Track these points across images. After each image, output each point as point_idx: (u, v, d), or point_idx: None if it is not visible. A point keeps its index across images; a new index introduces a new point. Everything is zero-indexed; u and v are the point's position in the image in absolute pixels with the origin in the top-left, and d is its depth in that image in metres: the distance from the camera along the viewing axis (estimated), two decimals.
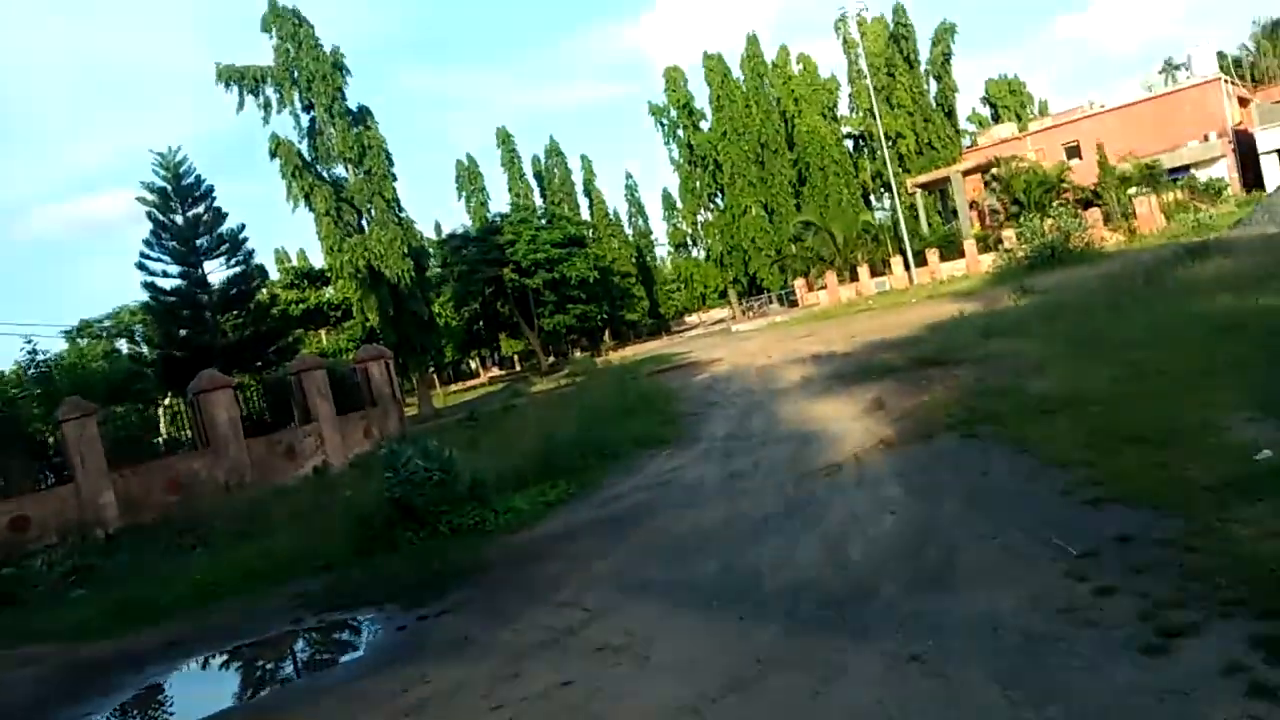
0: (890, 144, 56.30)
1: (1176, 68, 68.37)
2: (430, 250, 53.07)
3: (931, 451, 8.91)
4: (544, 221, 54.26)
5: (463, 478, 10.09)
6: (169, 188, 31.18)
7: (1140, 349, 11.38)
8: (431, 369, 45.94)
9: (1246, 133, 50.87)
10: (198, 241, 30.90)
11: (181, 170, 31.88)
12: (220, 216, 31.78)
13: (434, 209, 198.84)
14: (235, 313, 31.57)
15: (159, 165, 31.48)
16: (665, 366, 32.88)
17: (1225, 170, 49.70)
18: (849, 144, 63.81)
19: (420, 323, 34.74)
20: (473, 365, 77.45)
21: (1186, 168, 48.61)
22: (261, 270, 33.31)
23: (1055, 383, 10.51)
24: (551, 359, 56.14)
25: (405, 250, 33.80)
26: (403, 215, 36.05)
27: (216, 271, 31.89)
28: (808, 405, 14.23)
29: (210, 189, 32.10)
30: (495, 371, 74.77)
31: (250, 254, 32.16)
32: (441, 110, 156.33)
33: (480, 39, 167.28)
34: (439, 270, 51.62)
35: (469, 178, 66.60)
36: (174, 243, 30.74)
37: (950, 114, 63.48)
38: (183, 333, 31.20)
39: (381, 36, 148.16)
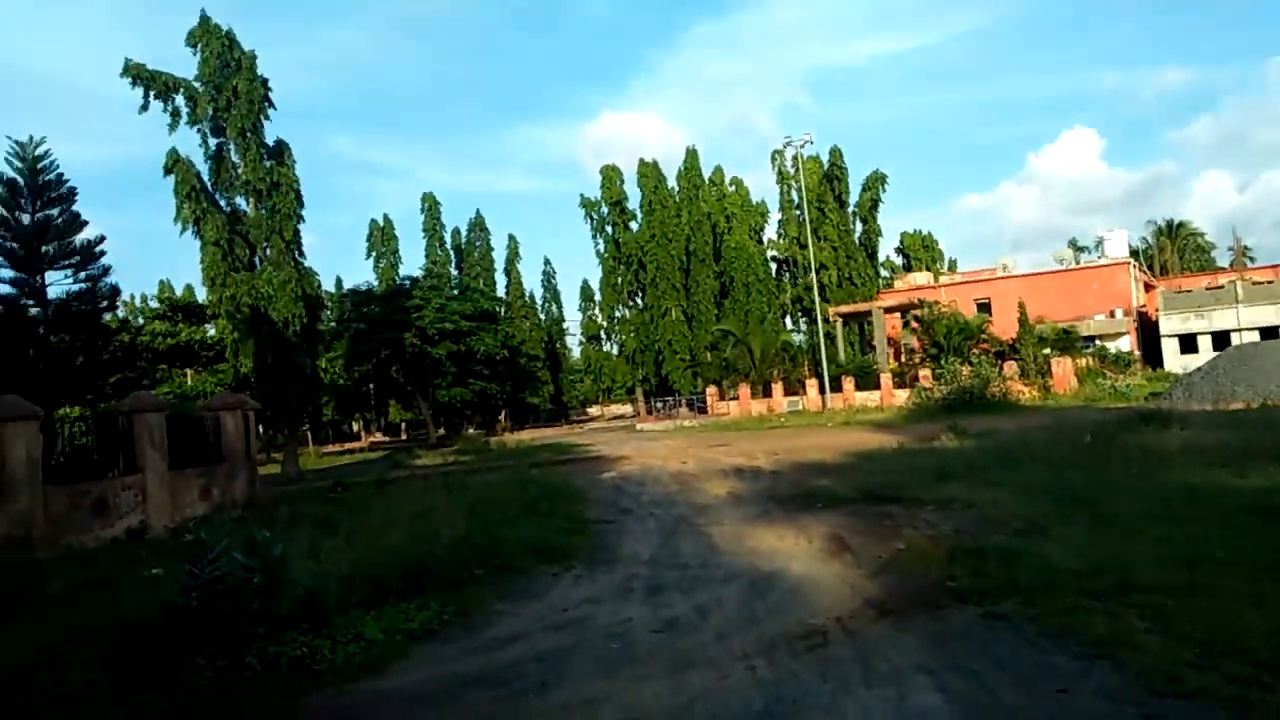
0: (816, 274, 56.79)
1: (1082, 249, 72.75)
2: (328, 304, 49.45)
3: (949, 632, 6.57)
4: (456, 291, 51.51)
5: (296, 585, 7.17)
6: (21, 181, 27.18)
7: (1157, 523, 9.53)
8: (306, 426, 41.76)
9: (1146, 315, 53.64)
10: (43, 247, 26.78)
11: (40, 165, 27.92)
12: (77, 224, 27.80)
13: (339, 268, 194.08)
14: (73, 335, 27.27)
15: (14, 155, 27.53)
16: (567, 457, 30.17)
17: (1128, 345, 51.66)
18: (772, 266, 64.23)
19: (302, 375, 31.15)
20: (355, 428, 72.56)
21: (1093, 338, 50.35)
22: (114, 290, 29.18)
23: (1073, 552, 8.43)
24: (442, 432, 52.42)
25: (298, 294, 30.48)
26: (302, 261, 32.87)
27: (60, 284, 27.75)
28: (747, 531, 11.84)
29: (72, 191, 28.20)
30: (378, 437, 70.16)
31: (105, 270, 28.15)
32: (363, 175, 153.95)
33: (416, 116, 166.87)
34: (334, 325, 47.89)
35: (382, 238, 63.71)
36: (13, 243, 26.54)
37: (872, 255, 65.01)
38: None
39: (313, 94, 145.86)
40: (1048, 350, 40.76)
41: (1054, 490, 12.28)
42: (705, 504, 14.93)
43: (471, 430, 48.88)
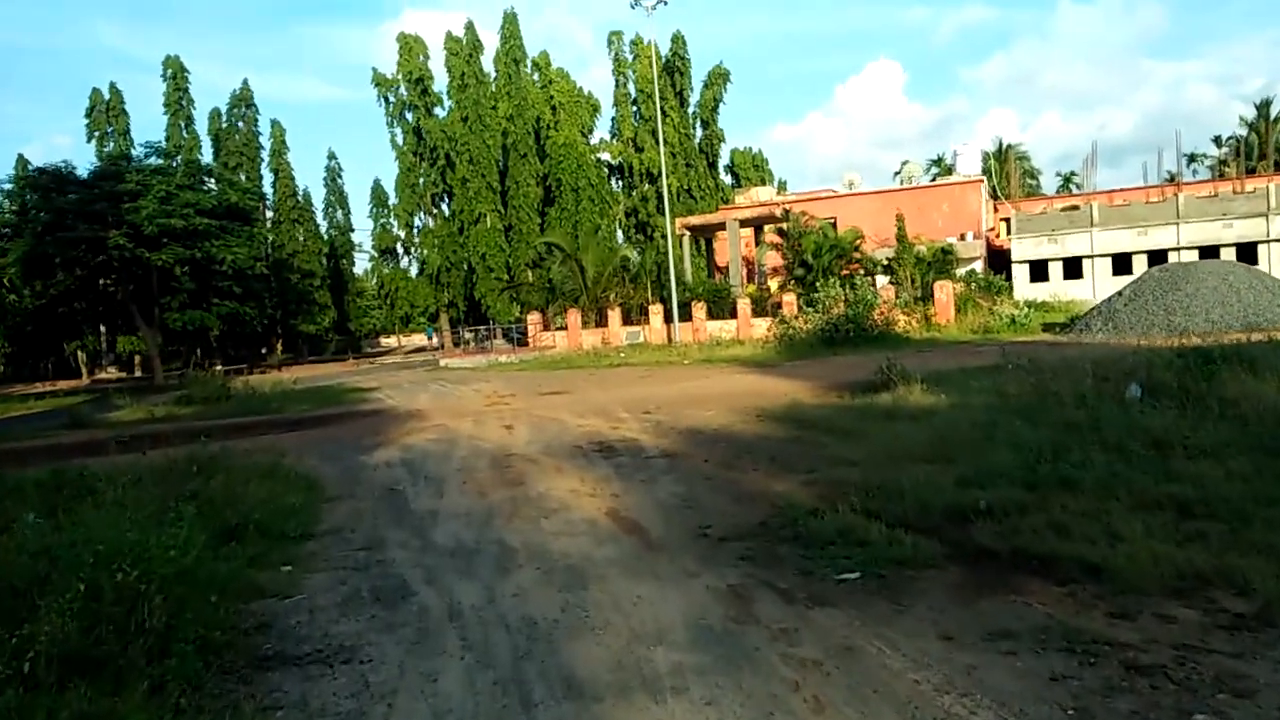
0: (652, 182, 48.96)
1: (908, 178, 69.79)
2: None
3: None
4: (199, 180, 38.99)
5: None
6: None
7: None
8: None
9: (990, 240, 50.29)
10: None
11: None
12: None
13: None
14: None
15: None
16: (332, 412, 20.95)
17: (979, 270, 47.81)
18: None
19: None
20: (81, 360, 57.62)
21: None
22: None
23: None
24: (182, 370, 40.63)
25: None
26: None
27: None
28: None
29: None
30: (110, 373, 56.14)
31: None
32: (130, 72, 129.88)
33: (188, 5, 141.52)
34: (11, 215, 34.62)
35: (108, 114, 49.05)
36: None
37: (713, 165, 58.10)
38: None
39: None
40: (929, 273, 35.37)
41: None
42: (577, 563, 6.65)
43: (219, 367, 37.48)
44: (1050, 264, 47.98)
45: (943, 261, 36.63)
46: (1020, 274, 48.15)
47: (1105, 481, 7.51)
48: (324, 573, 6.81)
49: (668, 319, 36.76)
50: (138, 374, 52.62)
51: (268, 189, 51.74)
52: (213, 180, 42.23)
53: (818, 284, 32.03)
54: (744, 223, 42.47)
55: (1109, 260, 46.21)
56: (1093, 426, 9.96)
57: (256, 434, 16.96)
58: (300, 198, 53.43)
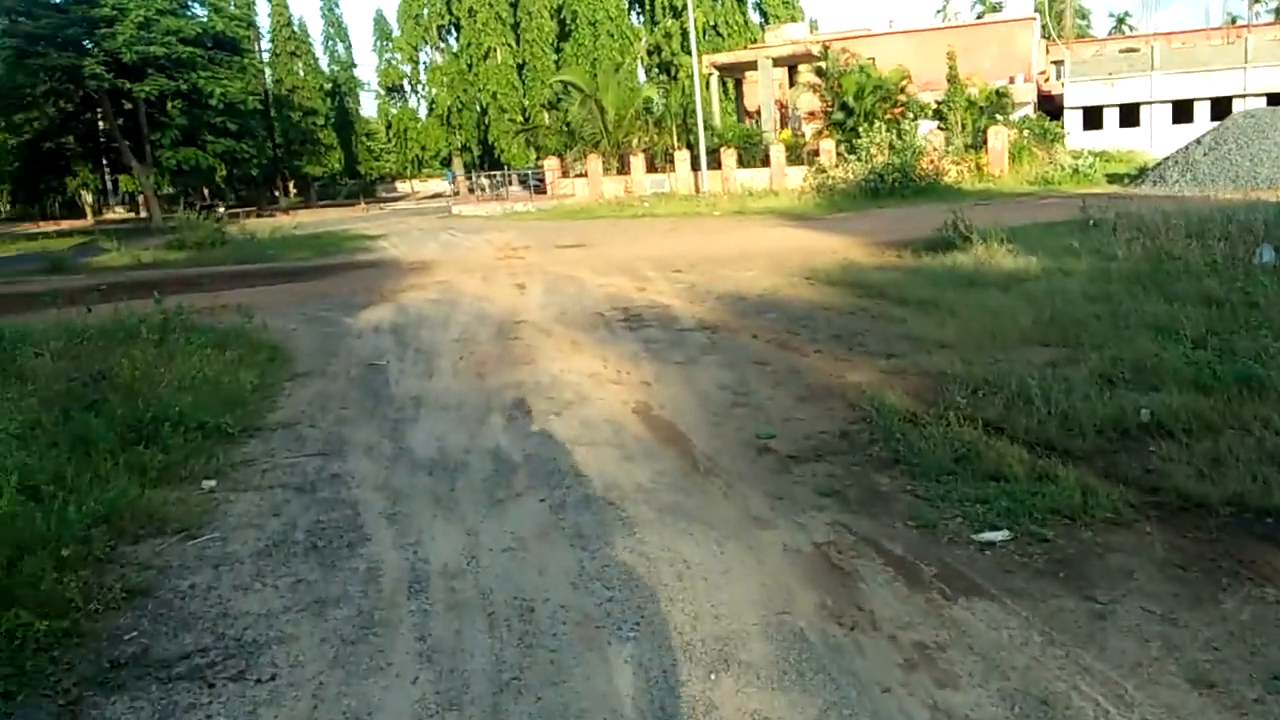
0: (676, 16, 44.63)
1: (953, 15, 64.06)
2: None
3: None
4: (182, 5, 35.43)
5: None
6: None
7: None
8: None
9: (1039, 85, 46.36)
10: None
11: None
12: None
13: None
14: None
15: None
16: (328, 262, 19.07)
17: (1033, 117, 43.98)
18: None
19: None
20: (86, 200, 55.42)
21: None
22: None
23: None
24: (185, 211, 38.52)
25: None
26: None
27: None
28: None
29: None
30: (119, 212, 54.21)
31: None
32: None
33: None
34: None
35: None
36: None
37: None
38: None
39: None
40: (980, 119, 32.03)
41: None
42: (598, 493, 4.81)
43: (220, 210, 35.18)
44: (1105, 110, 44.21)
45: (997, 105, 33.21)
46: (1073, 121, 44.43)
47: None
48: (256, 492, 5.05)
49: (695, 167, 33.95)
50: (143, 215, 50.67)
51: (262, 21, 47.72)
52: (198, 6, 38.63)
53: (859, 129, 28.98)
54: (777, 62, 38.61)
55: (1169, 108, 42.42)
56: (1248, 303, 7.93)
57: (246, 285, 15.26)
58: (297, 29, 49.28)
